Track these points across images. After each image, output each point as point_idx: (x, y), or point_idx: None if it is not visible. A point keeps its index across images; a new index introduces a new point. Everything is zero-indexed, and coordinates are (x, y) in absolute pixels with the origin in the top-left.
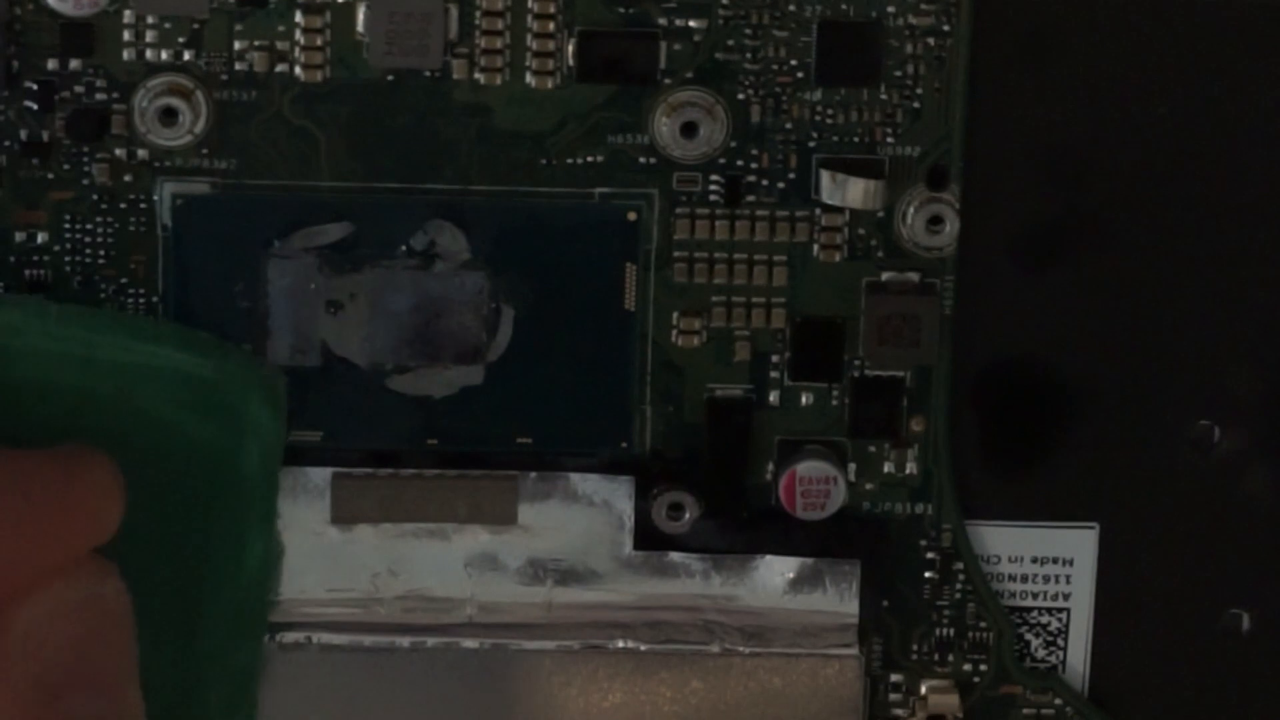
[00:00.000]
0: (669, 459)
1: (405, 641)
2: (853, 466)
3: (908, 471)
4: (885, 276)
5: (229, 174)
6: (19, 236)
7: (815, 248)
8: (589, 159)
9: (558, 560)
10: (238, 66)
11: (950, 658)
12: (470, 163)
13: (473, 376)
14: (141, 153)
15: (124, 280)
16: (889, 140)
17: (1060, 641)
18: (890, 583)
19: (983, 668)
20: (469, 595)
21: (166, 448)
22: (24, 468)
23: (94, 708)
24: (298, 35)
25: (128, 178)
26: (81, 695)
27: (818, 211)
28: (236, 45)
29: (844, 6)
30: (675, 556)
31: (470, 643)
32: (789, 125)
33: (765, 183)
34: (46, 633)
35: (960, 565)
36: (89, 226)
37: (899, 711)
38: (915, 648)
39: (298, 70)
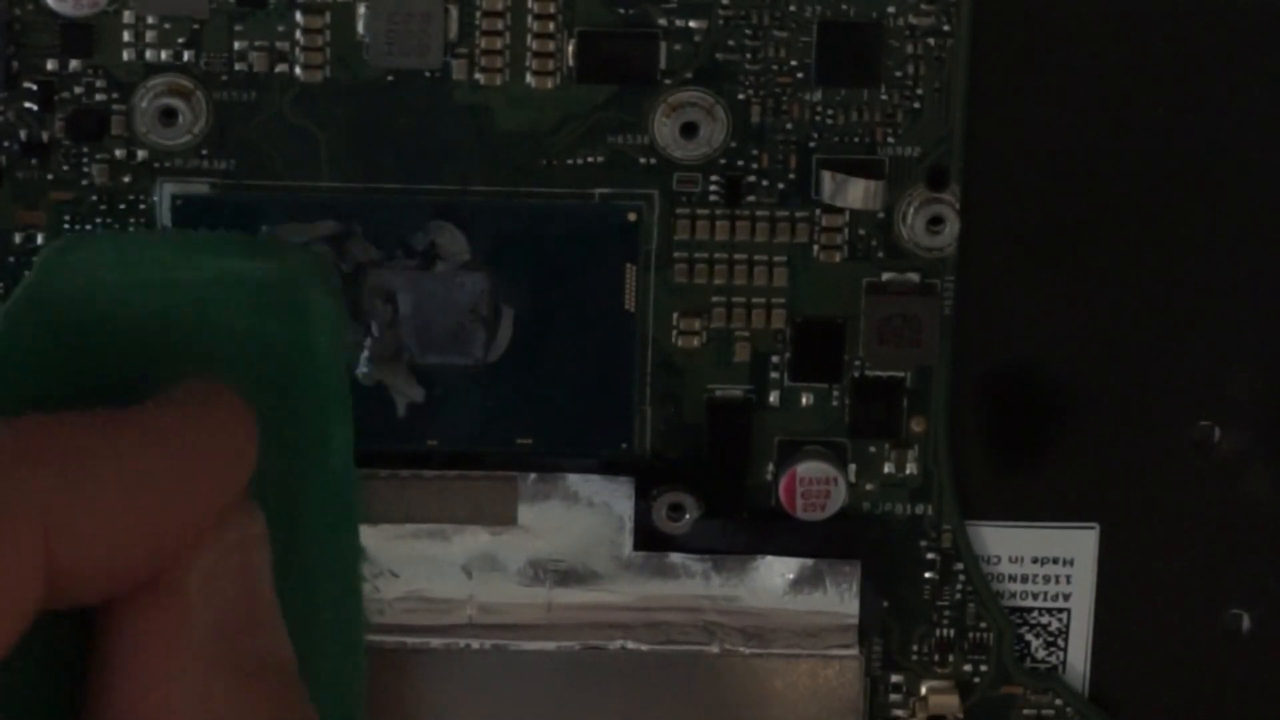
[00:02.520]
0: (669, 459)
1: (406, 642)
2: (853, 467)
3: (908, 472)
4: (885, 277)
5: (229, 174)
6: (18, 237)
7: (815, 248)
8: (589, 159)
9: (558, 561)
10: (238, 67)
11: (950, 658)
12: (470, 163)
13: (473, 377)
14: (141, 153)
15: None
16: (889, 140)
17: (1060, 642)
18: (890, 583)
19: (983, 668)
20: (469, 596)
21: (247, 355)
22: (164, 423)
23: (269, 644)
24: (298, 35)
25: (127, 178)
26: (254, 635)
27: (818, 212)
28: (236, 45)
29: (844, 6)
30: (675, 557)
31: (470, 643)
32: (789, 125)
33: (765, 183)
34: (216, 579)
35: (960, 566)
36: (89, 227)
37: (899, 712)
38: (915, 648)
39: (298, 70)
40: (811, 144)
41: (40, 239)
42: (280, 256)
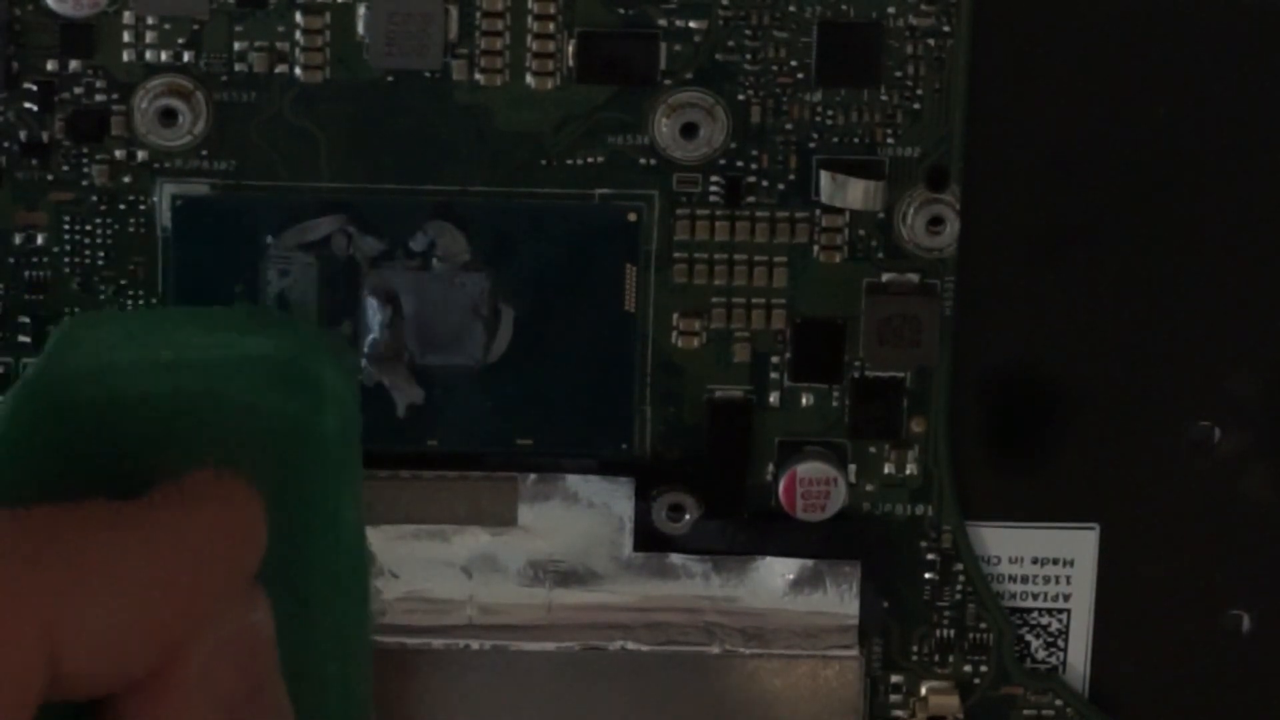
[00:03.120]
0: (669, 460)
1: (406, 643)
2: (853, 467)
3: (908, 472)
4: (885, 277)
5: (228, 175)
6: (18, 238)
7: (815, 248)
8: (589, 159)
9: (557, 561)
10: (238, 67)
11: (950, 659)
12: (470, 163)
13: (473, 377)
14: (141, 154)
15: (123, 282)
16: (889, 141)
17: (1060, 642)
18: (890, 584)
19: (983, 669)
20: (469, 596)
21: (255, 434)
22: (170, 519)
23: None
24: (298, 35)
25: (127, 179)
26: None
27: (818, 212)
28: (236, 46)
29: (844, 7)
30: (675, 558)
31: (470, 644)
32: (789, 126)
33: (765, 183)
34: (220, 664)
35: (960, 566)
36: (88, 228)
37: (899, 713)
38: (915, 649)
39: (298, 71)
40: (811, 144)
41: (40, 239)
42: (293, 333)
